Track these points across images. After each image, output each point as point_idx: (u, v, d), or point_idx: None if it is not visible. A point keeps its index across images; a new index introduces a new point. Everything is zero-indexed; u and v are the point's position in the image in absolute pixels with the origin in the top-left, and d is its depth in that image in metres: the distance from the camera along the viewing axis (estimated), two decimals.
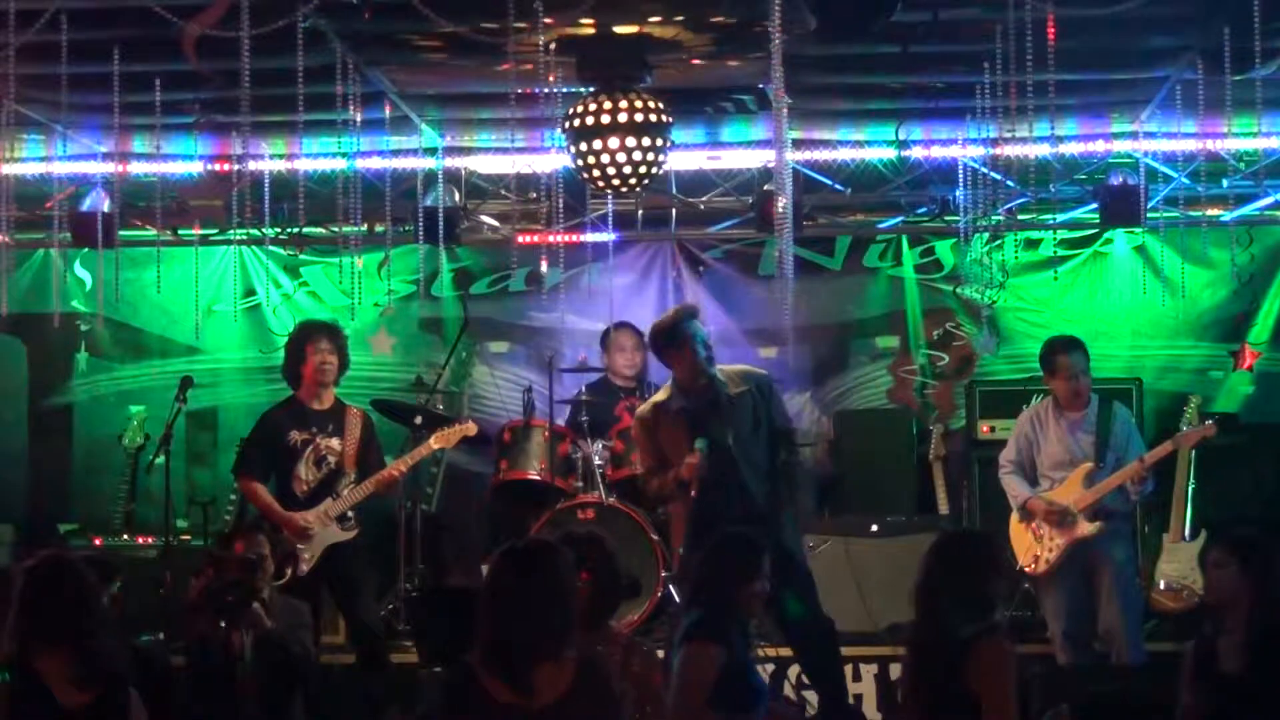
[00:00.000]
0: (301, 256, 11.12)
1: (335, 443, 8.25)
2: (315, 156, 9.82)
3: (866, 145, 10.35)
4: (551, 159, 9.44)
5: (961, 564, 5.33)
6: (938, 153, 10.24)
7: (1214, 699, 5.45)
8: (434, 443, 8.59)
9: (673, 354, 7.41)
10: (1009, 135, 8.33)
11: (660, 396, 7.53)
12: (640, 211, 10.78)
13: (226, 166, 10.12)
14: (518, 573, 4.48)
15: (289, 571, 8.02)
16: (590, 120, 8.07)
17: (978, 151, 9.55)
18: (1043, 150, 9.47)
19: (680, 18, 7.85)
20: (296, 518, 8.10)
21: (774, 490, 7.34)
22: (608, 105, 8.04)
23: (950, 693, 5.14)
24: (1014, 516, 8.20)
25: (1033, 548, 8.04)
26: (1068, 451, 8.12)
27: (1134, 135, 9.97)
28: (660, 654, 5.81)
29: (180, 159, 10.22)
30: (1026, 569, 8.08)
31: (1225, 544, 5.70)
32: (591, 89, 8.20)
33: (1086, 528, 7.94)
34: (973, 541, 5.66)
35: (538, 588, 4.45)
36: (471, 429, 8.80)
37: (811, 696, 7.94)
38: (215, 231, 10.96)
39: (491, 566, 4.55)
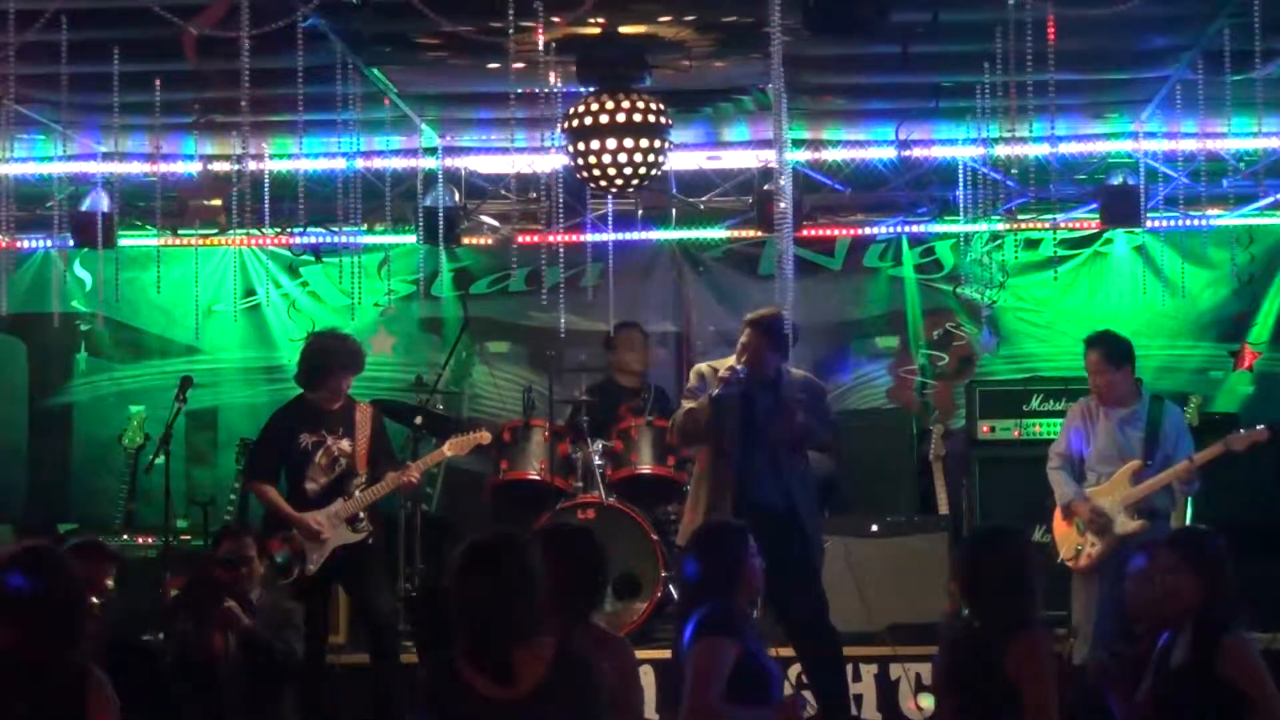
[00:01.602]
0: (303, 257, 11.13)
1: (346, 444, 8.19)
2: (315, 156, 9.82)
3: (866, 145, 10.35)
4: (551, 159, 9.45)
5: (1004, 558, 5.38)
6: (938, 153, 10.26)
7: (1162, 693, 5.52)
8: (448, 450, 8.59)
9: (767, 343, 7.43)
10: (1009, 135, 8.34)
11: (727, 361, 7.57)
12: (640, 211, 10.79)
13: (226, 166, 10.13)
14: (486, 563, 4.55)
15: (296, 571, 8.02)
16: (589, 120, 8.07)
17: (978, 151, 9.56)
18: (1042, 150, 9.47)
19: (681, 18, 7.86)
20: (309, 519, 8.04)
21: (796, 491, 7.41)
22: (607, 105, 8.04)
23: (990, 687, 5.19)
24: (1057, 512, 8.19)
25: (1076, 541, 8.04)
26: (1116, 447, 8.11)
27: (1134, 135, 9.98)
28: (639, 654, 5.78)
29: (180, 159, 10.23)
30: (1068, 562, 8.07)
31: (1173, 546, 5.73)
32: (591, 89, 8.20)
33: (1128, 525, 7.94)
34: (1013, 536, 5.69)
35: (506, 576, 4.51)
36: (485, 437, 8.78)
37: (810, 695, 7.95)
38: (215, 231, 10.96)
39: (458, 560, 4.61)
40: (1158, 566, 5.65)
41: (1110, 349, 8.28)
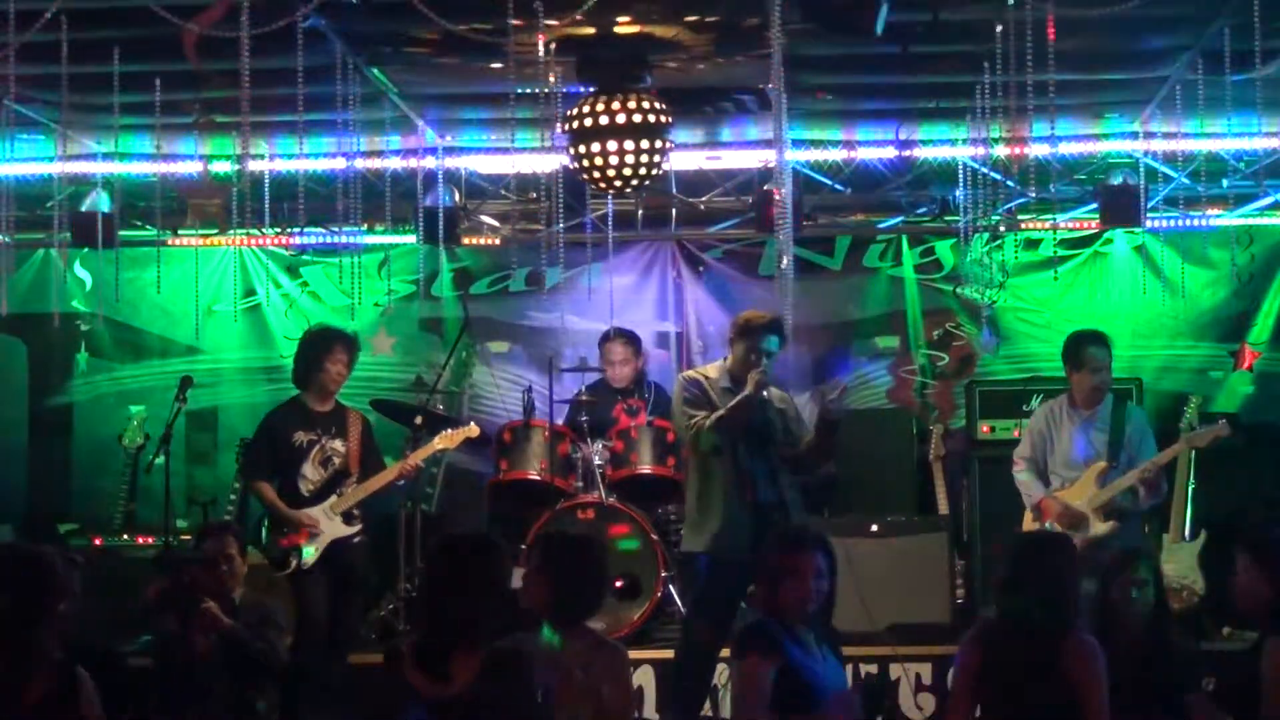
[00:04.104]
0: (303, 256, 11.15)
1: (339, 444, 8.31)
2: (315, 156, 9.81)
3: (866, 145, 10.35)
4: (551, 159, 9.45)
5: (1049, 563, 5.46)
6: (938, 153, 10.25)
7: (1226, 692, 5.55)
8: (438, 443, 8.64)
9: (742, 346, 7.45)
10: (1009, 135, 8.33)
11: (711, 372, 7.60)
12: (640, 211, 10.79)
13: (226, 166, 10.13)
14: (445, 565, 4.63)
15: (293, 563, 8.10)
16: (590, 121, 8.06)
17: (978, 151, 9.55)
18: (1043, 150, 9.47)
19: (680, 17, 7.86)
20: (303, 515, 8.16)
21: (787, 491, 7.43)
22: (607, 106, 8.03)
23: (1042, 687, 5.22)
24: (1027, 515, 8.18)
25: None
26: (1079, 450, 8.11)
27: (1134, 135, 9.98)
28: (630, 653, 5.77)
29: (180, 159, 10.23)
30: None
31: (1244, 546, 5.74)
32: (591, 89, 8.19)
33: (1099, 528, 7.92)
34: (1058, 542, 5.76)
35: (465, 577, 4.57)
36: (474, 431, 8.83)
37: None
38: (215, 231, 10.97)
39: (425, 559, 4.66)
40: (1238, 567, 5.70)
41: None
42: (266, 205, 8.96)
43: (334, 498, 8.23)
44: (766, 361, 7.36)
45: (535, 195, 10.35)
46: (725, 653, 7.81)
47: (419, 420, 9.12)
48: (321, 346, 8.39)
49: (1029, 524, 8.16)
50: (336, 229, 9.89)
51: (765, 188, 10.08)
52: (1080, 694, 5.27)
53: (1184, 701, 5.76)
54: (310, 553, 8.12)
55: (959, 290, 10.92)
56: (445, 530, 9.75)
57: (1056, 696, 5.26)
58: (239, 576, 7.61)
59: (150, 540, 9.63)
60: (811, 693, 5.42)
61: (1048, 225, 10.53)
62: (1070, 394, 8.31)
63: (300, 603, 8.12)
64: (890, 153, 10.31)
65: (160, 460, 9.04)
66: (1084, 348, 8.22)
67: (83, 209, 10.08)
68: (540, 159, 9.62)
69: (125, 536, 9.81)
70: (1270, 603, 5.52)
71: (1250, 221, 10.63)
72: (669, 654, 7.93)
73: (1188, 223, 10.19)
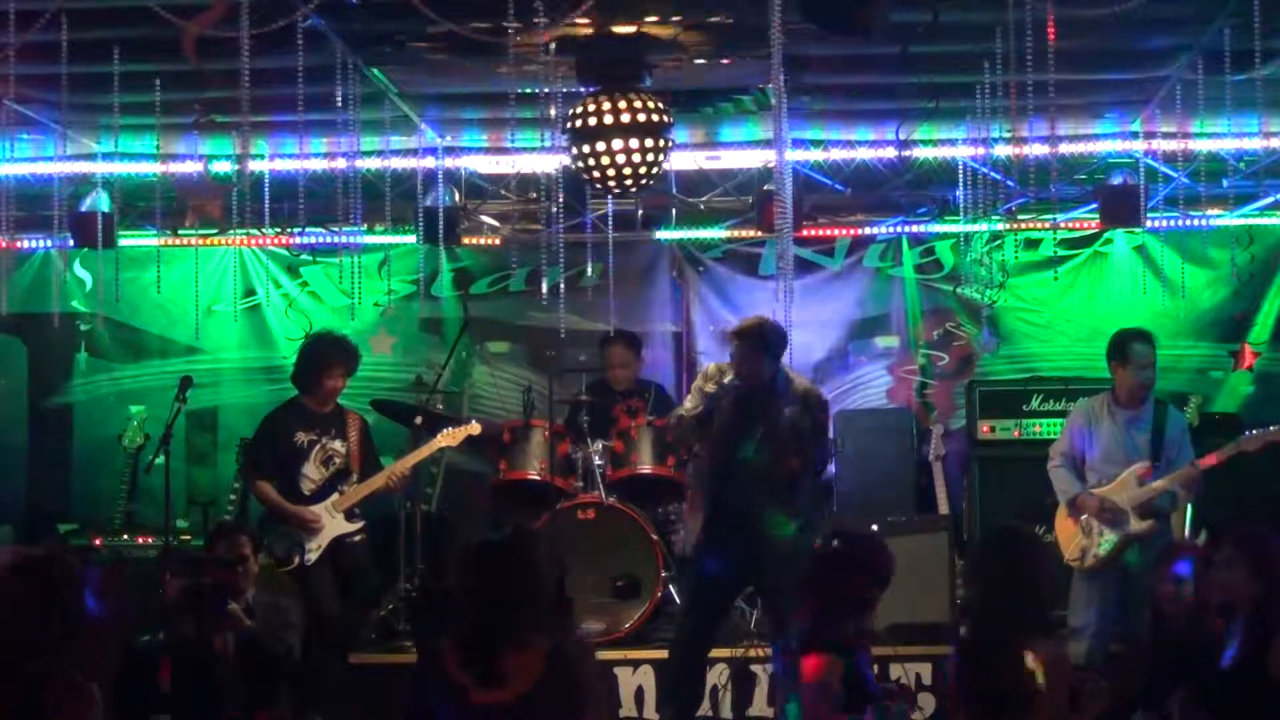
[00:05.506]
0: (303, 256, 11.15)
1: (339, 444, 8.41)
2: (315, 156, 9.81)
3: (866, 145, 10.35)
4: (551, 159, 9.45)
5: (1011, 561, 5.34)
6: (938, 153, 10.25)
7: (1207, 692, 5.51)
8: (441, 440, 8.67)
9: (758, 351, 7.46)
10: (1009, 135, 8.32)
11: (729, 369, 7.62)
12: (640, 211, 10.79)
13: (226, 166, 10.13)
14: (489, 564, 4.46)
15: (296, 560, 8.15)
16: (591, 121, 8.06)
17: (978, 151, 9.55)
18: (1042, 150, 9.48)
19: (679, 18, 7.86)
20: (305, 512, 8.26)
21: (772, 496, 7.40)
22: (608, 106, 8.03)
23: (1002, 690, 5.16)
24: (1061, 510, 8.15)
25: (1081, 542, 8.01)
26: (1122, 448, 8.08)
27: (1134, 135, 9.98)
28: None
29: (180, 159, 10.23)
30: (1072, 563, 8.04)
31: (1233, 543, 5.72)
32: (592, 89, 8.20)
33: (1137, 526, 7.91)
34: (1016, 537, 5.60)
35: (507, 578, 4.42)
36: (476, 428, 8.87)
37: None
38: (215, 231, 10.97)
39: (464, 558, 4.51)
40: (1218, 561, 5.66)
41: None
42: (266, 205, 8.97)
43: (336, 495, 8.34)
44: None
45: (535, 195, 10.35)
46: (725, 652, 7.86)
47: (419, 420, 9.13)
48: (320, 364, 8.46)
49: (1062, 519, 8.12)
50: (336, 229, 9.89)
51: (765, 188, 10.08)
52: (1039, 704, 5.13)
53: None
54: (313, 548, 8.17)
55: (959, 290, 10.92)
56: (452, 530, 9.80)
57: (1011, 703, 5.15)
58: (252, 577, 7.62)
59: (150, 540, 9.63)
60: (870, 690, 5.41)
61: (1048, 225, 10.53)
62: (1113, 391, 8.25)
63: (310, 601, 8.14)
64: (890, 153, 10.30)
65: (160, 460, 9.02)
66: (1130, 344, 8.18)
67: (83, 209, 10.09)
68: (540, 159, 9.63)
69: (125, 536, 9.79)
70: (1256, 604, 5.50)
71: (1250, 221, 10.64)
72: (668, 653, 7.93)
73: (1188, 223, 10.19)
